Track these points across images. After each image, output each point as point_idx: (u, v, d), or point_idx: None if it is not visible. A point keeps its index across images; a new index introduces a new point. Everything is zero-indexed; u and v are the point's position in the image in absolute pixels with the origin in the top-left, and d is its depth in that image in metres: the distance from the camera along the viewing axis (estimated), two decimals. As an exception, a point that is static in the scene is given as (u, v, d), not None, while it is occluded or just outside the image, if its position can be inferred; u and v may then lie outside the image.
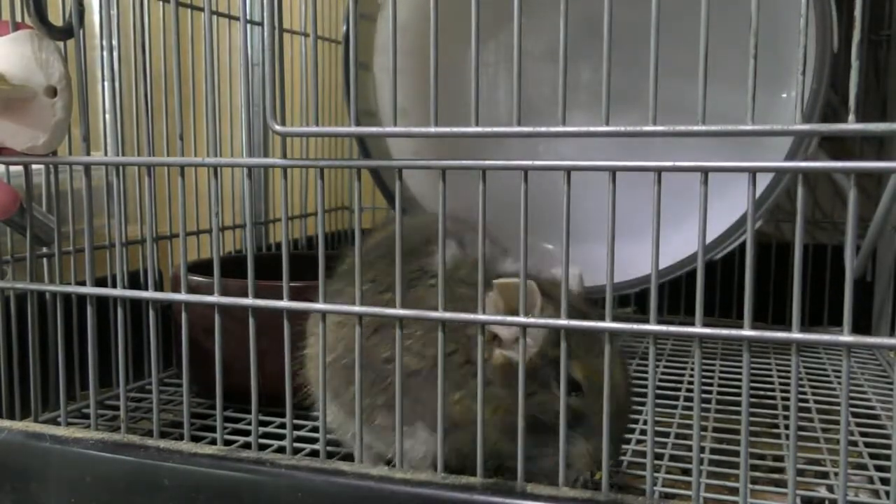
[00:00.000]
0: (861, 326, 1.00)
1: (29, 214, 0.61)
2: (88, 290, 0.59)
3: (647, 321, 0.46)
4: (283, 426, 0.62)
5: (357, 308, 0.51)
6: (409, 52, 0.83)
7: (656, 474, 0.58)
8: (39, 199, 0.65)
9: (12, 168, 0.63)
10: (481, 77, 1.02)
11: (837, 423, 0.68)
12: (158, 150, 0.72)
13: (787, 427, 0.67)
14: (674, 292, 1.00)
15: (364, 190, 0.65)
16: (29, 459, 0.56)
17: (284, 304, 0.53)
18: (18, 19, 0.57)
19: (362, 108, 0.98)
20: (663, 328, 0.46)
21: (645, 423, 0.66)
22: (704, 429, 0.67)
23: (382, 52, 0.99)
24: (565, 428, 0.49)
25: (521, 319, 0.48)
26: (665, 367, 0.87)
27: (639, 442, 0.65)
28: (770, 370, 0.87)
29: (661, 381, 0.81)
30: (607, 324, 0.46)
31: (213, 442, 0.56)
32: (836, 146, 1.04)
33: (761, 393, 0.79)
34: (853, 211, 0.42)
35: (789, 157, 0.79)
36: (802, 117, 0.43)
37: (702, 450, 0.47)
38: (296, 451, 0.56)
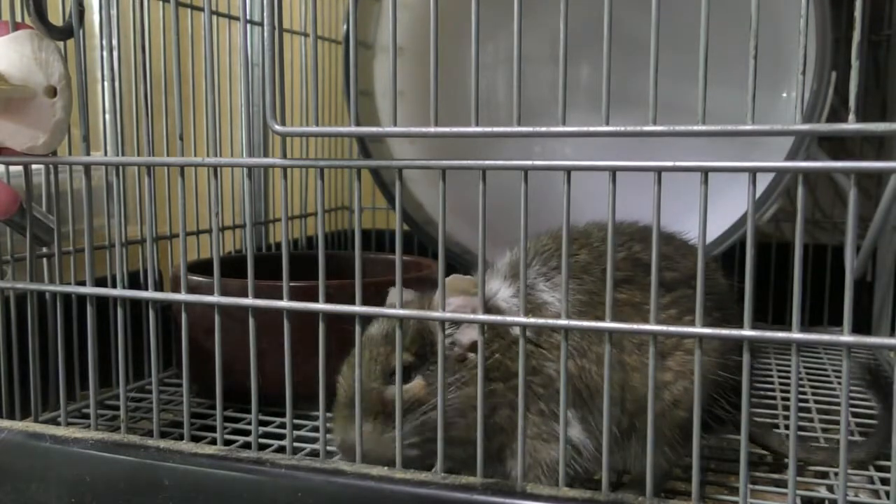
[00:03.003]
0: (861, 326, 1.00)
1: (29, 214, 0.61)
2: (88, 290, 0.59)
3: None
4: (283, 426, 0.62)
5: (357, 308, 0.51)
6: (410, 31, 0.83)
7: (656, 474, 0.58)
8: (39, 199, 0.65)
9: (12, 168, 0.63)
10: (481, 78, 1.02)
11: (837, 423, 0.68)
12: (158, 150, 0.72)
13: (787, 427, 0.67)
14: (674, 292, 0.99)
15: (364, 190, 0.65)
16: (29, 459, 0.56)
17: (284, 304, 0.53)
18: (18, 19, 0.56)
19: (359, 88, 0.97)
20: (663, 328, 0.46)
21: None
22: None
23: (384, 30, 0.98)
24: (564, 428, 0.49)
25: (522, 319, 0.48)
26: (665, 367, 0.87)
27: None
28: (770, 370, 0.87)
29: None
30: (608, 324, 0.46)
31: (213, 442, 0.56)
32: (836, 146, 1.03)
33: (761, 393, 0.79)
34: (853, 211, 0.42)
35: (789, 157, 0.79)
36: (803, 117, 0.43)
37: (702, 450, 0.47)
38: (296, 451, 0.56)
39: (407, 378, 0.52)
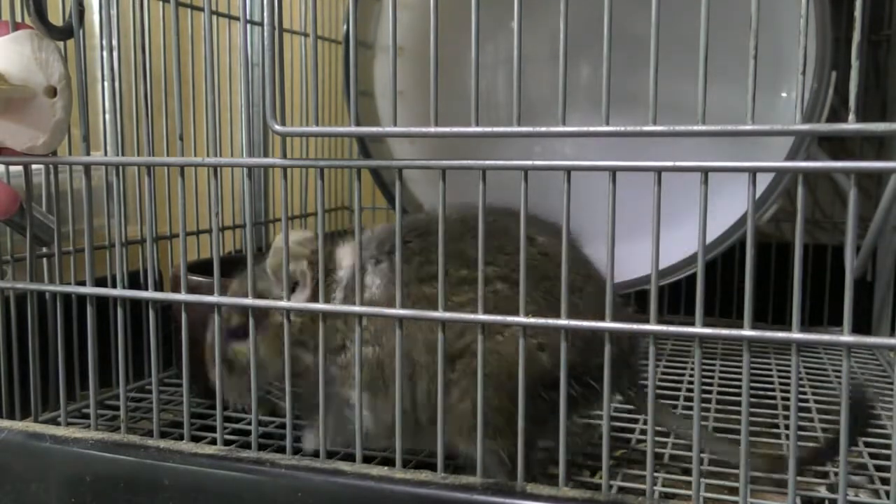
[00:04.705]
0: (861, 326, 1.00)
1: (29, 214, 0.61)
2: (88, 290, 0.59)
3: (647, 321, 0.46)
4: (283, 426, 0.62)
5: (357, 308, 0.51)
6: (410, 31, 0.83)
7: (656, 474, 0.58)
8: (39, 199, 0.65)
9: (12, 168, 0.63)
10: (481, 78, 1.02)
11: (837, 423, 0.68)
12: (158, 150, 0.72)
13: (787, 427, 0.67)
14: (674, 292, 1.00)
15: (364, 190, 0.65)
16: (29, 459, 0.56)
17: (284, 304, 0.53)
18: (18, 19, 0.57)
19: (359, 88, 0.98)
20: (663, 328, 0.46)
21: (645, 422, 0.66)
22: (704, 429, 0.67)
23: (384, 30, 0.98)
24: (564, 421, 0.49)
25: (521, 319, 0.48)
26: (665, 366, 0.87)
27: (639, 441, 0.66)
28: (770, 370, 0.87)
29: (661, 380, 0.81)
30: (608, 324, 0.46)
31: (213, 442, 0.56)
32: (836, 146, 1.03)
33: (761, 393, 0.79)
34: (853, 211, 0.42)
35: (789, 157, 0.79)
36: (803, 117, 0.43)
37: (702, 450, 0.47)
38: (296, 451, 0.56)
39: (245, 336, 0.57)
